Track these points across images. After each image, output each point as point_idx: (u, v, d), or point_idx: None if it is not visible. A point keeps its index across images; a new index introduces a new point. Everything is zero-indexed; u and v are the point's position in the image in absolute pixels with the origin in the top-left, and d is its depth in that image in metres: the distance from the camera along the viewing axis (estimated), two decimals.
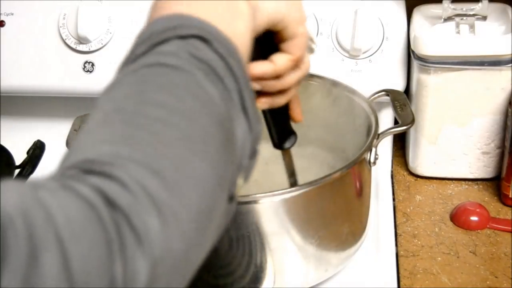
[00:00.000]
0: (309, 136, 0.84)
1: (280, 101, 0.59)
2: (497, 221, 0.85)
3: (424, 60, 0.86)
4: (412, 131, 0.93)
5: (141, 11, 0.95)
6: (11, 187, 0.33)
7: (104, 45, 0.95)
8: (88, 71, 0.96)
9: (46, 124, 1.05)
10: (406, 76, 0.92)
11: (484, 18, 0.88)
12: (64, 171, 0.36)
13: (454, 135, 0.90)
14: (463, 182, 0.93)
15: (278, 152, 0.71)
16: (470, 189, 0.92)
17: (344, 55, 0.91)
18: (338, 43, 0.91)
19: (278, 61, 0.56)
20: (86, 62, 0.96)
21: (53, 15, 0.96)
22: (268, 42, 0.56)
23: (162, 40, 0.43)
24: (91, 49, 0.95)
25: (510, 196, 0.87)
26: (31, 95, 1.01)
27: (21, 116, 1.07)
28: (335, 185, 0.71)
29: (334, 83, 0.84)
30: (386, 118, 0.94)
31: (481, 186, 0.93)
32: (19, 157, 0.90)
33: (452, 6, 0.88)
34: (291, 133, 0.68)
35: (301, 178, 0.74)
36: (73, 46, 0.96)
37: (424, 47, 0.85)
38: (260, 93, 0.57)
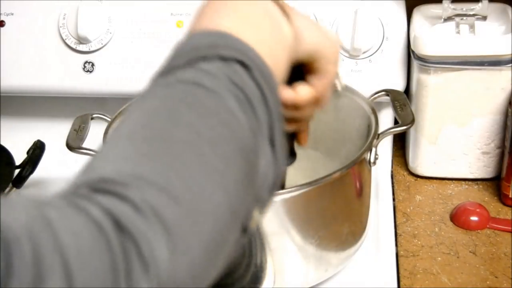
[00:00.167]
0: (308, 136, 0.84)
1: (288, 127, 0.57)
2: (497, 221, 0.85)
3: (424, 60, 0.86)
4: (412, 131, 0.93)
5: (141, 11, 0.95)
6: (20, 204, 0.33)
7: (104, 45, 0.95)
8: (88, 71, 0.96)
9: (46, 124, 1.05)
10: (406, 76, 0.92)
11: (484, 18, 0.88)
12: (77, 188, 0.35)
13: (454, 135, 0.90)
14: (463, 182, 0.93)
15: None
16: (470, 189, 0.92)
17: (344, 55, 0.91)
18: None
19: (301, 92, 0.54)
20: (86, 62, 0.96)
21: (53, 15, 0.96)
22: (295, 67, 0.54)
23: (202, 56, 0.42)
24: (91, 49, 0.95)
25: (510, 196, 0.87)
26: (31, 95, 1.01)
27: (21, 116, 1.07)
28: (335, 185, 0.71)
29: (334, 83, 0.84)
30: (386, 118, 0.94)
31: (481, 186, 0.93)
32: (19, 157, 0.90)
33: (452, 6, 0.88)
34: (292, 154, 0.66)
35: (301, 178, 0.74)
36: (73, 46, 0.96)
37: (424, 47, 0.85)
38: None
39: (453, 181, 0.94)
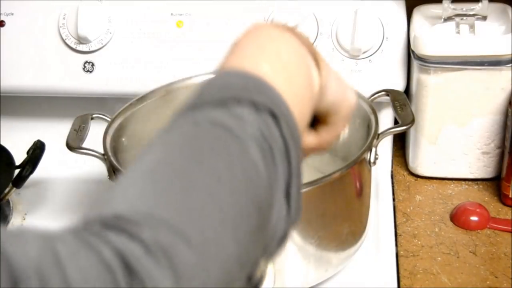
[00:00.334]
0: None
1: None
2: (497, 221, 0.85)
3: (424, 60, 0.86)
4: (412, 131, 0.93)
5: (141, 11, 0.95)
6: (30, 237, 0.32)
7: (104, 45, 0.95)
8: (88, 71, 0.96)
9: (46, 124, 1.05)
10: (406, 76, 0.92)
11: (484, 18, 0.88)
12: (90, 222, 0.35)
13: (454, 135, 0.90)
14: (463, 182, 0.93)
15: None
16: (470, 189, 0.92)
17: (344, 55, 0.91)
18: (338, 43, 0.91)
19: (307, 140, 0.54)
20: (86, 62, 0.96)
21: (53, 15, 0.96)
22: None
23: (236, 98, 0.42)
24: (91, 49, 0.95)
25: (510, 196, 0.87)
26: (31, 95, 1.01)
27: (21, 116, 1.07)
28: (335, 185, 0.71)
29: None
30: (386, 118, 0.94)
31: (481, 186, 0.93)
32: (19, 157, 0.90)
33: (452, 6, 0.88)
34: None
35: None
36: (73, 46, 0.96)
37: (424, 47, 0.85)
38: None
39: (453, 181, 0.94)
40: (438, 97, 0.88)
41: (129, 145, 0.82)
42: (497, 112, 0.88)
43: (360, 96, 0.81)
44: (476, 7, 0.88)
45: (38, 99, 1.03)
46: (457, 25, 0.88)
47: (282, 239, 0.44)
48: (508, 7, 0.91)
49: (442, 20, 0.89)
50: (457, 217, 0.85)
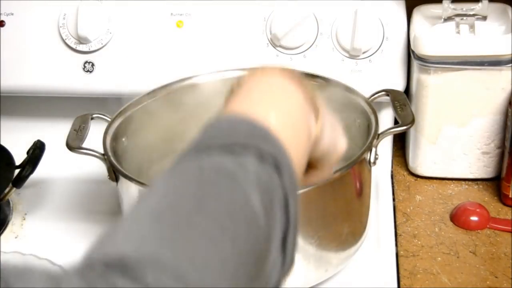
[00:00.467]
0: None
1: None
2: (497, 221, 0.85)
3: (424, 60, 0.86)
4: (412, 131, 0.93)
5: (141, 11, 0.95)
6: (36, 277, 0.33)
7: (104, 45, 0.95)
8: (88, 71, 0.96)
9: (46, 124, 1.05)
10: (406, 76, 0.92)
11: (484, 18, 0.88)
12: (95, 263, 0.35)
13: (454, 135, 0.90)
14: (463, 182, 0.93)
15: None
16: (470, 189, 0.92)
17: (344, 55, 0.91)
18: (338, 43, 0.91)
19: None
20: (86, 62, 0.96)
21: (53, 15, 0.96)
22: None
23: (242, 144, 0.42)
24: (91, 49, 0.95)
25: (510, 196, 0.87)
26: (31, 95, 1.01)
27: (21, 116, 1.07)
28: (335, 185, 0.71)
29: (334, 83, 0.84)
30: (386, 118, 0.94)
31: (481, 186, 0.93)
32: (19, 157, 0.90)
33: (452, 6, 0.88)
34: None
35: None
36: (73, 46, 0.96)
37: (424, 47, 0.85)
38: None
39: (453, 181, 0.94)
40: (438, 97, 0.88)
41: (129, 145, 0.82)
42: (497, 112, 0.88)
43: (360, 96, 0.81)
44: (476, 7, 0.88)
45: (38, 99, 1.03)
46: (457, 25, 0.88)
47: (276, 286, 0.44)
48: (508, 7, 0.91)
49: (442, 20, 0.89)
50: (457, 217, 0.85)
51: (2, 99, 1.03)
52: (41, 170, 0.89)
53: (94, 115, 0.83)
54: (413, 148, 0.94)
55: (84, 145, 0.78)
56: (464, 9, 0.88)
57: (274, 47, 0.92)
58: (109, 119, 0.81)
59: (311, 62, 0.92)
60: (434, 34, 0.88)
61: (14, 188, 0.87)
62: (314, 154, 0.52)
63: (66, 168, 0.99)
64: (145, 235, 0.37)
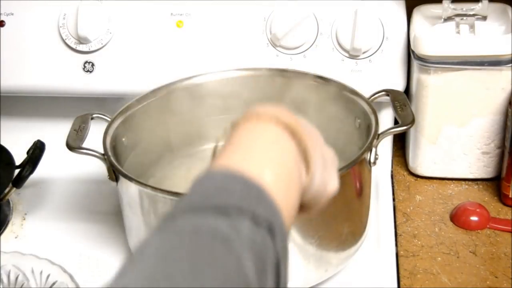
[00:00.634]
0: None
1: None
2: (497, 221, 0.85)
3: (424, 60, 0.86)
4: (412, 131, 0.93)
5: (141, 11, 0.95)
6: None
7: (104, 45, 0.95)
8: (88, 71, 0.96)
9: (46, 124, 1.05)
10: (406, 76, 0.92)
11: (484, 18, 0.88)
12: None
13: (454, 135, 0.90)
14: (463, 182, 0.94)
15: None
16: (470, 189, 0.92)
17: (344, 55, 0.91)
18: (338, 43, 0.91)
19: None
20: (86, 62, 0.96)
21: (53, 15, 0.96)
22: None
23: (238, 207, 0.42)
24: (91, 49, 0.95)
25: (510, 196, 0.87)
26: (31, 95, 1.01)
27: (21, 116, 1.07)
28: None
29: (334, 83, 0.84)
30: (386, 118, 0.94)
31: (481, 186, 0.93)
32: (19, 157, 0.90)
33: (452, 6, 0.88)
34: None
35: None
36: (73, 46, 0.96)
37: (424, 47, 0.85)
38: None
39: (453, 181, 0.94)
40: (438, 97, 0.88)
41: (129, 145, 0.82)
42: (497, 112, 0.88)
43: (360, 96, 0.81)
44: (476, 7, 0.88)
45: (38, 99, 1.03)
46: (457, 25, 0.88)
47: None
48: (508, 7, 0.91)
49: (442, 20, 0.89)
50: (457, 217, 0.85)
51: (2, 99, 1.03)
52: (41, 170, 0.89)
53: (94, 115, 0.83)
54: (413, 148, 0.94)
55: (84, 145, 0.78)
56: (464, 9, 0.88)
57: (274, 47, 0.92)
58: (109, 119, 0.81)
59: (311, 62, 0.92)
60: (434, 34, 0.88)
61: (14, 188, 0.87)
62: (302, 198, 0.51)
63: (66, 168, 0.99)
64: None
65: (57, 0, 0.96)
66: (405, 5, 0.92)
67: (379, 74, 0.91)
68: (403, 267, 0.78)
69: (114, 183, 0.76)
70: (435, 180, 0.94)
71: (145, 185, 0.70)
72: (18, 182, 0.87)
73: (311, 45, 0.92)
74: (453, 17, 0.89)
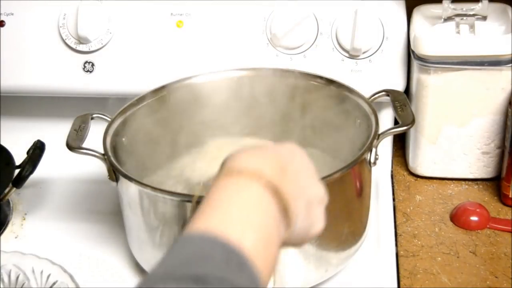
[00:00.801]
0: (308, 136, 0.84)
1: None
2: (497, 221, 0.85)
3: (424, 60, 0.86)
4: (412, 131, 0.93)
5: (141, 11, 0.95)
6: None
7: (104, 45, 0.95)
8: (88, 71, 0.96)
9: (46, 124, 1.05)
10: (406, 76, 0.92)
11: (484, 18, 0.88)
12: None
13: (454, 135, 0.90)
14: (463, 182, 0.94)
15: None
16: (470, 189, 0.92)
17: (344, 55, 0.91)
18: (338, 43, 0.91)
19: None
20: (86, 62, 0.96)
21: (53, 15, 0.96)
22: None
23: (217, 277, 0.41)
24: (91, 49, 0.95)
25: (510, 196, 0.87)
26: (31, 95, 1.01)
27: (21, 116, 1.07)
28: (335, 185, 0.71)
29: (334, 83, 0.84)
30: (386, 118, 0.94)
31: (481, 186, 0.93)
32: (19, 157, 0.90)
33: (452, 6, 0.88)
34: None
35: None
36: (73, 46, 0.96)
37: (424, 47, 0.85)
38: None
39: (453, 181, 0.94)
40: (438, 97, 0.88)
41: (129, 145, 0.82)
42: (497, 112, 0.88)
43: (360, 96, 0.81)
44: (476, 7, 0.88)
45: (38, 99, 1.03)
46: (457, 25, 0.88)
47: None
48: (508, 7, 0.91)
49: (442, 20, 0.89)
50: (457, 217, 0.85)
51: (2, 99, 1.03)
52: (41, 170, 0.89)
53: (94, 115, 0.83)
54: (413, 148, 0.94)
55: (84, 145, 0.78)
56: (464, 9, 0.88)
57: (274, 47, 0.92)
58: (109, 119, 0.81)
59: (311, 62, 0.92)
60: (434, 34, 0.88)
61: (14, 188, 0.87)
62: (284, 240, 0.50)
63: (66, 168, 0.99)
64: None
65: (57, 0, 0.96)
66: (405, 5, 0.92)
67: (379, 74, 0.91)
68: (403, 267, 0.78)
69: (114, 183, 0.76)
70: (435, 180, 0.94)
71: (145, 185, 0.70)
72: (18, 182, 0.87)
73: (311, 45, 0.92)
74: (453, 17, 0.89)
